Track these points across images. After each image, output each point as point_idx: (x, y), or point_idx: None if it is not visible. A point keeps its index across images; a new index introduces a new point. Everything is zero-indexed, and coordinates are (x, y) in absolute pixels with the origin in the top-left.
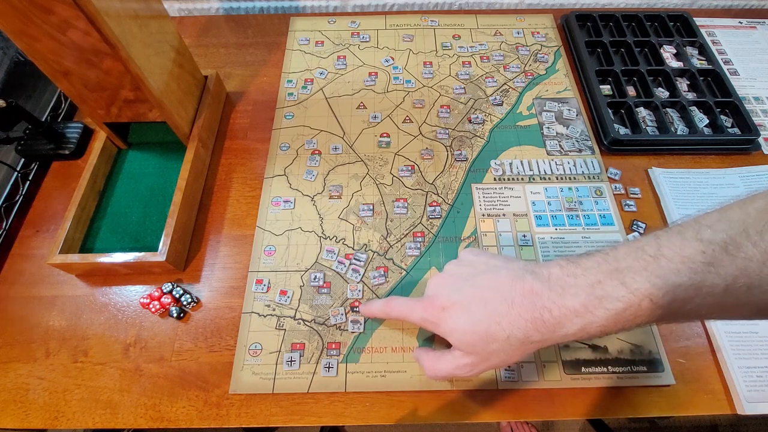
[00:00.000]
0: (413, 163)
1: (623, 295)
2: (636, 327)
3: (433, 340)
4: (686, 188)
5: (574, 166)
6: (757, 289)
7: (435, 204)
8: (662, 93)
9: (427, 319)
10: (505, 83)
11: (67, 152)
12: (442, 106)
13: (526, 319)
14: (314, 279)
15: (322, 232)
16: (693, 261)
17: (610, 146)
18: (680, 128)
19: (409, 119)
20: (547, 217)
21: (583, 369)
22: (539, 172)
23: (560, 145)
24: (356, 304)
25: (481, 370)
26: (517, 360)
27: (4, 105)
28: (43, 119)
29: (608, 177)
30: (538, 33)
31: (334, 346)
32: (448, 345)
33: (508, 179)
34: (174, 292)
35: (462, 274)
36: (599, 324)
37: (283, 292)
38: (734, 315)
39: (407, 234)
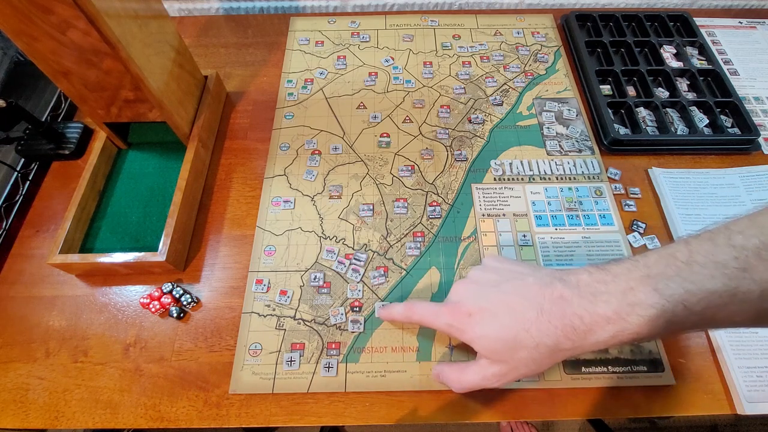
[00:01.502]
0: (413, 163)
1: (657, 302)
2: (669, 335)
3: (452, 350)
4: (686, 188)
5: (574, 166)
6: None
7: (435, 204)
8: (662, 93)
9: (453, 325)
10: (505, 83)
11: (67, 152)
12: (442, 106)
13: (556, 327)
14: (314, 279)
15: (322, 232)
16: (727, 267)
17: (610, 146)
18: (680, 128)
19: (409, 119)
20: (547, 217)
21: (583, 369)
22: (539, 172)
23: (560, 145)
24: (356, 304)
25: (510, 379)
26: (546, 369)
27: (4, 105)
28: (43, 119)
29: (608, 177)
30: (538, 33)
31: (334, 346)
32: (467, 355)
33: (508, 179)
34: (174, 292)
35: (488, 280)
36: (632, 331)
37: (283, 292)
38: None
39: (407, 234)
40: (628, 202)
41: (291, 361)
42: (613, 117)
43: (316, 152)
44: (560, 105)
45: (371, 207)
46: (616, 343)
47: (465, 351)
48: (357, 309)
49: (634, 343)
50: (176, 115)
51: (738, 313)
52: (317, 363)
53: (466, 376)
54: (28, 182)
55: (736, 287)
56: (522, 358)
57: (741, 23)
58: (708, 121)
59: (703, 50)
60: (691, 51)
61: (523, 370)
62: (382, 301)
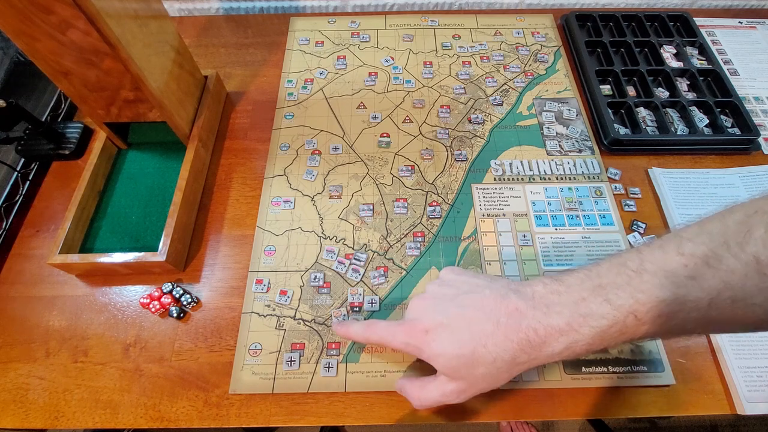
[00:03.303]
0: (413, 163)
1: (608, 312)
2: (622, 343)
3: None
4: (686, 188)
5: (574, 166)
6: (741, 302)
7: (435, 204)
8: (662, 93)
9: (409, 343)
10: (505, 83)
11: (67, 152)
12: (442, 106)
13: (512, 341)
14: (314, 279)
15: (322, 232)
16: (676, 275)
17: (610, 146)
18: (680, 128)
19: (409, 119)
20: (547, 217)
21: (583, 369)
22: (539, 172)
23: (560, 145)
24: (355, 304)
25: (470, 395)
26: (505, 382)
27: (4, 105)
28: (43, 119)
29: (608, 177)
30: (538, 33)
31: (334, 345)
32: (432, 371)
33: (508, 179)
34: (174, 292)
35: (444, 294)
36: (585, 342)
37: (283, 292)
38: (722, 330)
39: (407, 234)
40: (628, 202)
41: (291, 361)
42: (613, 117)
43: (316, 152)
44: (560, 105)
45: (371, 207)
46: (570, 355)
47: None
48: (357, 309)
49: (587, 355)
50: (176, 115)
51: (688, 321)
52: (317, 363)
53: (426, 393)
54: (28, 182)
55: (684, 296)
56: (480, 374)
57: (741, 23)
58: (708, 121)
59: (703, 50)
60: (691, 51)
61: (482, 384)
62: (383, 301)
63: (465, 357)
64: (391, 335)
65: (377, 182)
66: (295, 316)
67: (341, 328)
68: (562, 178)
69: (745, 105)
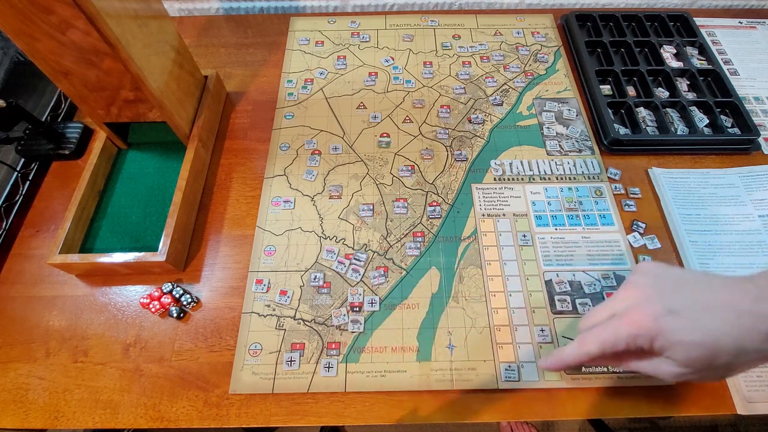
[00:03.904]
0: (413, 163)
1: None
2: None
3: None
4: (686, 188)
5: (574, 166)
6: None
7: (435, 204)
8: (662, 93)
9: (638, 335)
10: (505, 83)
11: (67, 152)
12: (442, 106)
13: (760, 330)
14: (314, 279)
15: (322, 232)
16: None
17: (610, 146)
18: (680, 128)
19: (409, 119)
20: (547, 217)
21: (583, 369)
22: (539, 172)
23: (560, 145)
24: (355, 304)
25: (688, 380)
26: (737, 374)
27: (4, 105)
28: (43, 119)
29: (608, 177)
30: (538, 33)
31: (333, 345)
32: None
33: (508, 179)
34: (174, 292)
35: (660, 285)
36: None
37: (283, 292)
38: None
39: (407, 234)
40: (628, 202)
41: (291, 361)
42: (613, 117)
43: (316, 152)
44: (560, 105)
45: (371, 207)
46: None
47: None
48: (357, 309)
49: None
50: (176, 115)
51: None
52: (317, 363)
53: (665, 368)
54: (28, 182)
55: None
56: (720, 365)
57: (741, 23)
58: (708, 121)
59: (703, 50)
60: (691, 51)
61: (712, 375)
62: (383, 300)
63: (708, 347)
64: (613, 334)
65: (377, 182)
66: (295, 316)
67: (554, 362)
68: (562, 178)
69: (745, 105)
